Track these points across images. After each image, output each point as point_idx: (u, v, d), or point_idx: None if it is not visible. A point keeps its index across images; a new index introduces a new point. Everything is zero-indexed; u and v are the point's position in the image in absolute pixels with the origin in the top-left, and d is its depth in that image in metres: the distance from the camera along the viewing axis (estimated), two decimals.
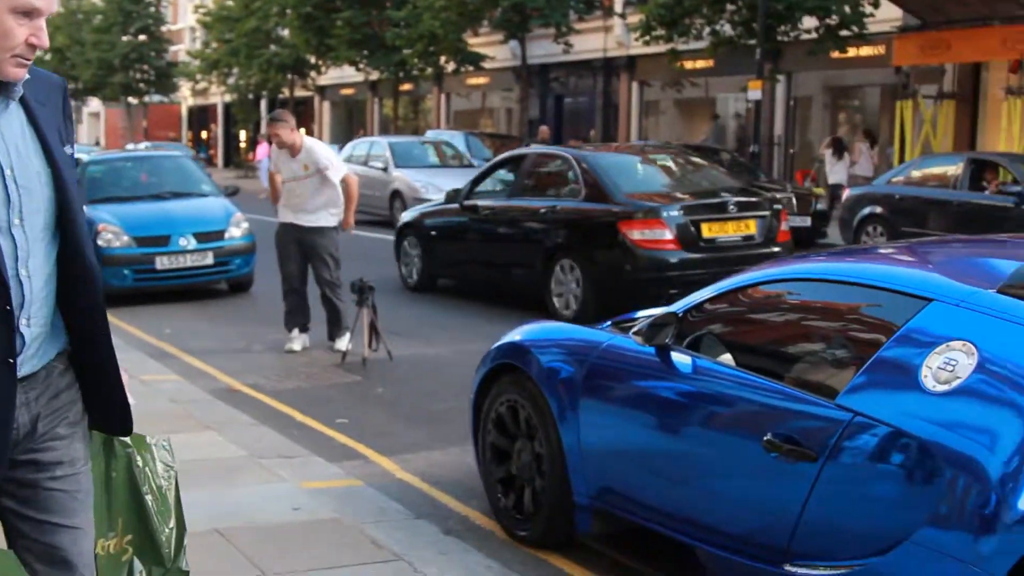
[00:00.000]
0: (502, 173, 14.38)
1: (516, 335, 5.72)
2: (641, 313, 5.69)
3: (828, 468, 4.02)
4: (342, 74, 45.11)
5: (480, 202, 13.45)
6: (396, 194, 23.70)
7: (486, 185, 14.11)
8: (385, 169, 24.58)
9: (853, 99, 31.90)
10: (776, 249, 11.75)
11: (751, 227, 11.80)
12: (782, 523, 4.20)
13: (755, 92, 26.07)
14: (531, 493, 5.48)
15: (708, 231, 11.51)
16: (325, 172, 10.08)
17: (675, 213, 11.45)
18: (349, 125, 48.62)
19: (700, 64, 31.42)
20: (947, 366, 3.81)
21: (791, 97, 31.30)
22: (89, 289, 2.95)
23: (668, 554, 4.85)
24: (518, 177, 13.60)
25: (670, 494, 4.80)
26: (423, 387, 9.09)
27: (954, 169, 17.54)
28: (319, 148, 10.34)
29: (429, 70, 37.63)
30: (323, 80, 47.61)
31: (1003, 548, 3.43)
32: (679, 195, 12.13)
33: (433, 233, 14.17)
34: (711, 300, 4.97)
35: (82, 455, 3.05)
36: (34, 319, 2.84)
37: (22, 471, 2.93)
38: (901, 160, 23.83)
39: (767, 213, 12.04)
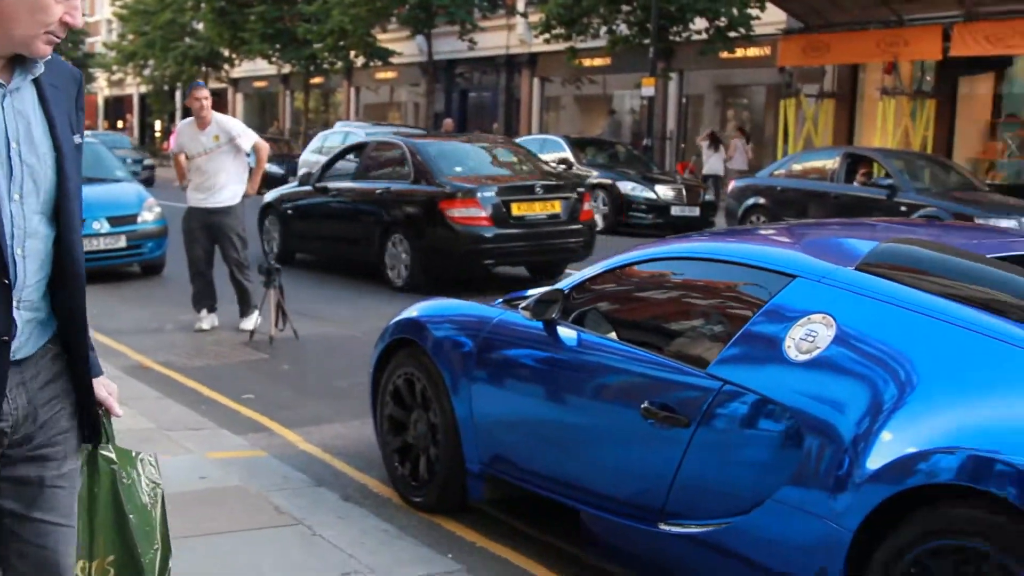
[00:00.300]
0: (350, 158, 15.01)
1: (413, 311, 5.76)
2: (531, 292, 5.75)
3: (700, 433, 4.12)
4: (255, 67, 44.79)
5: (329, 184, 14.40)
6: None
7: (336, 169, 14.79)
8: None
9: (741, 97, 32.31)
10: (578, 226, 13.43)
11: (556, 207, 13.22)
12: (658, 486, 4.29)
13: (648, 89, 26.34)
14: (426, 461, 5.53)
15: (517, 210, 12.86)
16: (237, 140, 10.07)
17: (489, 194, 12.75)
18: (262, 117, 48.23)
19: (598, 62, 31.66)
20: (808, 337, 3.92)
21: (683, 94, 31.65)
22: (74, 288, 2.75)
23: (554, 517, 4.92)
24: (361, 162, 14.48)
25: (556, 461, 4.87)
26: (327, 364, 9.10)
27: (831, 163, 17.87)
28: (229, 119, 10.46)
29: (339, 64, 37.53)
30: (236, 73, 47.21)
31: (855, 504, 3.53)
32: (494, 179, 13.39)
33: (290, 212, 15.06)
34: (595, 278, 5.04)
35: (76, 450, 2.84)
36: (25, 304, 2.65)
37: (28, 468, 2.72)
38: (785, 155, 24.19)
39: (572, 195, 13.48)
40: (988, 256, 4.24)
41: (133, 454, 3.07)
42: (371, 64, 36.91)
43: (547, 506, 4.96)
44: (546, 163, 15.67)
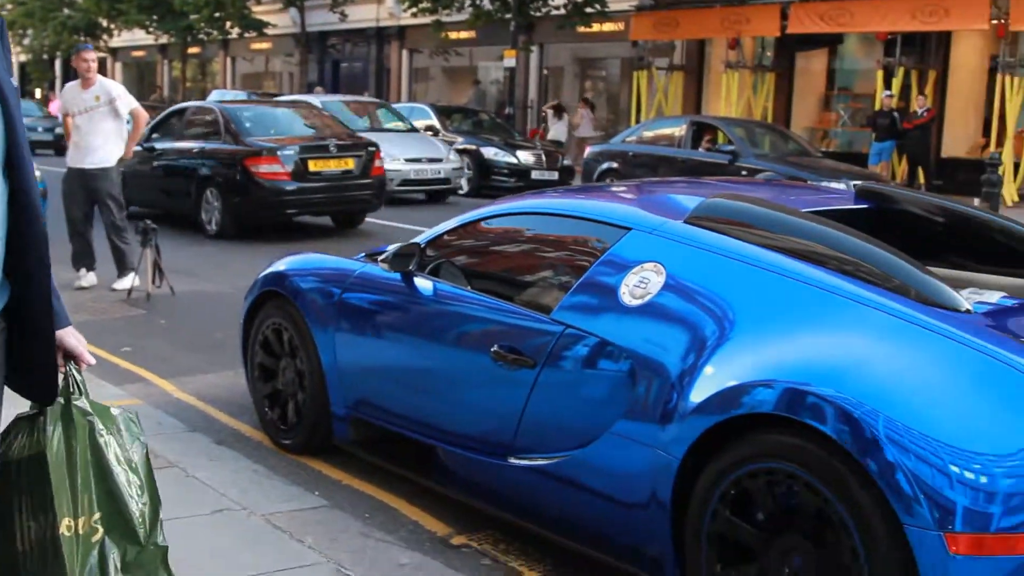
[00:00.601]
0: (174, 121, 15.49)
1: (281, 265, 5.78)
2: (391, 247, 5.81)
3: (544, 374, 4.24)
4: (133, 37, 43.72)
5: (156, 144, 15.01)
6: None
7: (162, 131, 15.31)
8: None
9: (598, 69, 32.57)
10: (369, 180, 14.63)
11: (350, 164, 14.45)
12: (507, 423, 4.40)
13: (510, 60, 26.47)
14: (294, 406, 5.57)
15: (314, 166, 14.07)
16: (116, 103, 9.98)
17: (289, 152, 13.88)
18: (140, 86, 47.12)
19: (463, 35, 31.62)
20: (641, 284, 4.07)
21: (544, 66, 31.77)
22: (35, 239, 2.49)
23: (413, 454, 5.01)
24: (182, 125, 15.26)
25: (415, 403, 4.95)
26: (202, 319, 9.04)
27: (679, 130, 18.21)
28: (112, 82, 10.39)
29: (215, 35, 36.81)
30: (115, 42, 46.04)
31: (681, 434, 3.68)
32: (295, 139, 14.38)
33: (122, 170, 14.95)
34: (450, 232, 5.13)
35: None
36: None
37: None
38: (638, 123, 24.51)
39: (363, 154, 14.65)
40: (805, 211, 4.42)
41: (112, 408, 2.87)
42: (246, 35, 36.33)
43: (407, 445, 5.05)
44: (345, 126, 16.45)
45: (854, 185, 5.13)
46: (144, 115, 10.46)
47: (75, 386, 2.76)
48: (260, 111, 15.57)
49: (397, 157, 17.67)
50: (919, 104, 20.86)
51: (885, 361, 3.46)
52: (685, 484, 3.70)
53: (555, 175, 20.46)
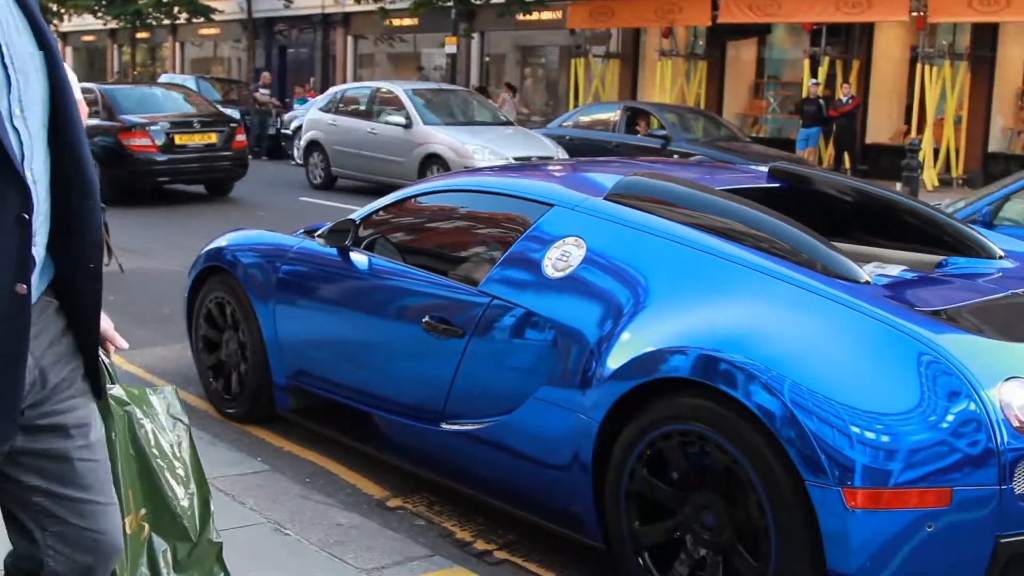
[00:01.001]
0: None
1: (222, 241, 5.80)
2: (328, 224, 5.85)
3: (473, 343, 4.32)
4: (83, 22, 43.06)
5: None
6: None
7: None
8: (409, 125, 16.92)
9: (537, 56, 32.58)
10: (229, 152, 16.08)
11: (212, 138, 15.89)
12: (438, 391, 4.47)
13: (451, 47, 26.45)
14: (237, 377, 5.62)
15: (180, 140, 15.48)
16: None
17: (157, 128, 15.27)
18: (91, 70, 46.53)
19: (407, 22, 31.49)
20: (563, 257, 4.15)
21: (485, 53, 31.77)
22: (89, 210, 2.13)
23: (351, 422, 5.08)
24: None
25: (352, 373, 5.01)
26: (151, 294, 9.03)
27: (613, 115, 18.33)
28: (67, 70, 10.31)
29: (164, 20, 36.43)
30: (65, 27, 45.32)
31: (600, 399, 3.77)
32: (164, 116, 15.68)
33: None
34: (383, 209, 5.19)
35: (95, 414, 2.26)
36: (38, 236, 2.03)
37: (47, 439, 2.14)
38: (576, 105, 24.64)
39: (225, 129, 16.10)
40: (719, 188, 4.52)
41: (148, 391, 2.59)
42: (194, 21, 35.98)
43: (345, 412, 5.12)
44: (212, 104, 17.97)
45: (769, 166, 5.25)
46: (85, 110, 10.38)
47: (108, 373, 2.44)
48: (135, 91, 17.11)
49: (505, 156, 15.21)
50: (844, 92, 21.12)
51: (791, 329, 3.57)
52: (605, 446, 3.79)
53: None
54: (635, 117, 17.92)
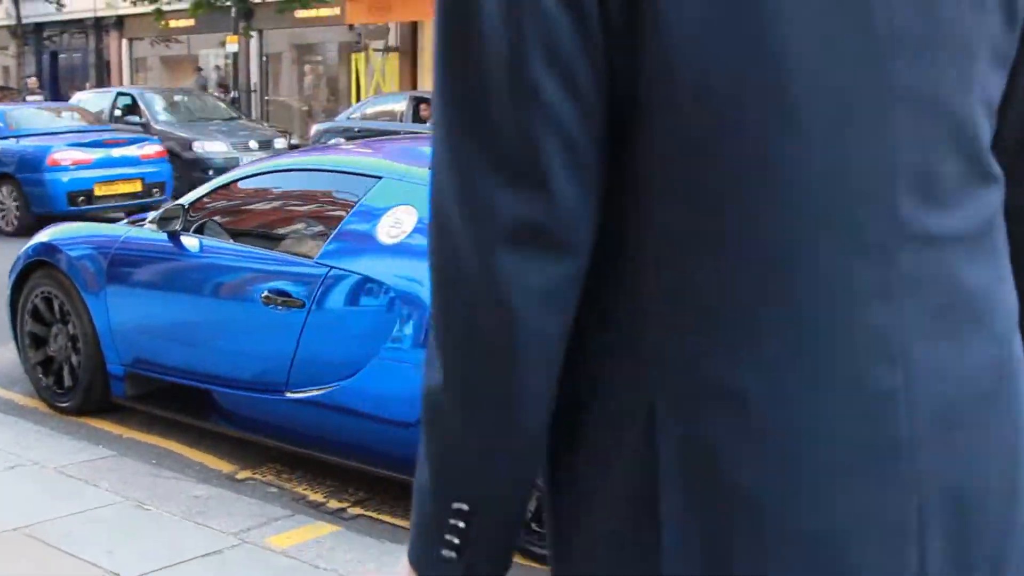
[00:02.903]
0: None
1: (44, 236, 5.72)
2: (151, 213, 5.85)
3: (314, 313, 4.44)
4: None
5: None
6: None
7: None
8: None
9: (317, 54, 32.41)
10: None
11: None
12: (281, 362, 4.56)
13: (232, 46, 26.14)
14: (69, 369, 5.57)
15: None
16: None
17: None
18: None
19: (183, 23, 30.85)
20: (396, 225, 4.32)
21: (264, 53, 31.44)
22: None
23: (192, 402, 5.13)
24: None
25: (192, 354, 5.03)
26: None
27: (400, 106, 18.48)
28: None
29: None
30: None
31: None
32: None
33: None
34: (213, 192, 5.25)
35: None
36: None
37: None
38: (358, 102, 24.67)
39: None
40: None
41: None
42: None
43: (186, 393, 5.16)
44: None
45: None
46: None
47: None
48: None
49: None
50: None
51: None
52: None
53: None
54: (420, 106, 18.12)
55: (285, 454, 4.93)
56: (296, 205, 5.19)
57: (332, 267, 4.41)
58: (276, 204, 5.26)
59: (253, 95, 30.35)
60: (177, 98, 19.67)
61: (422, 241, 4.22)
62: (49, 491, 4.33)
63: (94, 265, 5.35)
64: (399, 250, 4.26)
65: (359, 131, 18.10)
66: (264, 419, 4.76)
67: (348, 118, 19.12)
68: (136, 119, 17.76)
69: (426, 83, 26.34)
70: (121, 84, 33.39)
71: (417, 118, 17.76)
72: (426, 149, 4.81)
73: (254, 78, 30.68)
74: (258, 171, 5.21)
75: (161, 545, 3.81)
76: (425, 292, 4.07)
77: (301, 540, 3.90)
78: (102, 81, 34.22)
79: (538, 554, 3.80)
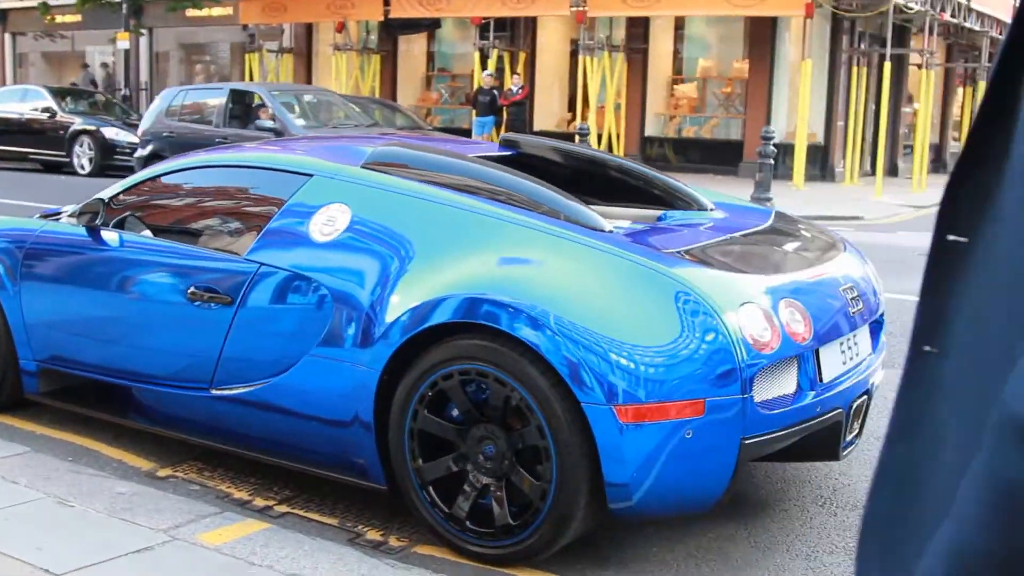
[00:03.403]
0: None
1: None
2: (65, 208, 5.72)
3: (242, 310, 4.40)
4: None
5: None
6: None
7: None
8: None
9: (208, 53, 31.99)
10: None
11: None
12: (206, 360, 4.50)
13: (123, 43, 25.64)
14: None
15: None
16: None
17: None
18: None
19: (69, 18, 30.20)
20: (328, 223, 4.31)
21: (154, 50, 30.93)
22: None
23: (110, 398, 5.04)
24: None
25: (111, 350, 4.93)
26: None
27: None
28: None
29: None
30: None
31: (377, 353, 3.95)
32: None
33: None
34: (135, 187, 5.16)
35: None
36: None
37: None
38: None
39: None
40: (469, 155, 4.80)
41: None
42: None
43: (103, 390, 5.07)
44: None
45: (500, 137, 5.59)
46: None
47: None
48: None
49: None
50: (514, 83, 21.93)
51: (547, 272, 3.89)
52: (385, 397, 3.99)
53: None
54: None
55: (205, 451, 4.88)
56: (221, 202, 5.12)
57: (262, 264, 4.37)
58: (200, 200, 5.19)
59: (143, 93, 29.77)
60: None
61: (357, 238, 4.22)
62: None
63: (8, 259, 5.22)
64: (333, 247, 4.25)
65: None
66: (187, 416, 4.69)
67: None
68: None
69: (320, 84, 26.19)
70: (4, 81, 32.55)
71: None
72: (357, 148, 4.86)
73: (144, 76, 30.12)
74: (181, 167, 5.13)
75: (89, 542, 3.74)
76: (363, 289, 4.07)
77: (233, 537, 3.86)
78: None
79: (476, 552, 3.84)
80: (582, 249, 3.91)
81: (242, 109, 16.21)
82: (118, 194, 5.14)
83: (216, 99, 16.56)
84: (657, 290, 3.73)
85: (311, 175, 4.53)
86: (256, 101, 16.13)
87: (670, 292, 3.70)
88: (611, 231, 4.11)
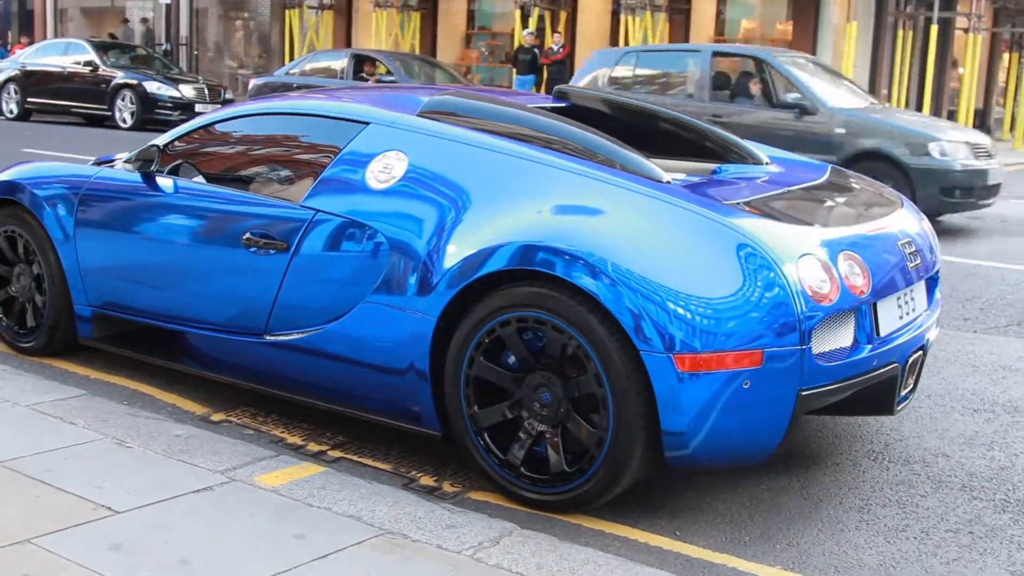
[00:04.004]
0: None
1: (8, 175, 5.58)
2: (118, 155, 5.75)
3: (298, 256, 4.41)
4: None
5: None
6: None
7: None
8: None
9: (245, 10, 31.97)
10: None
11: None
12: (262, 305, 4.53)
13: None
14: (33, 310, 5.48)
15: None
16: None
17: None
18: None
19: None
20: (385, 170, 4.32)
21: (193, 7, 30.94)
22: None
23: (164, 344, 5.09)
24: None
25: (166, 296, 4.95)
26: None
27: (340, 63, 18.34)
28: None
29: None
30: None
31: (434, 300, 3.97)
32: None
33: None
34: (189, 135, 5.18)
35: None
36: None
37: None
38: (291, 59, 24.40)
39: None
40: (528, 105, 4.78)
41: None
42: None
43: (157, 335, 5.12)
44: None
45: (554, 88, 5.57)
46: None
47: None
48: None
49: None
50: (555, 41, 21.84)
51: (606, 221, 3.88)
52: (441, 346, 4.00)
53: (219, 108, 20.11)
54: (361, 63, 18.01)
55: (257, 396, 4.93)
56: (275, 149, 5.13)
57: (318, 210, 4.39)
58: (254, 148, 5.20)
59: (183, 48, 29.84)
60: None
61: (414, 186, 4.23)
62: (26, 428, 4.27)
63: (64, 204, 5.26)
64: (390, 195, 4.26)
65: (298, 87, 17.95)
66: (240, 362, 4.73)
67: (287, 74, 18.93)
68: None
69: (360, 43, 26.22)
70: (45, 36, 32.71)
71: (358, 75, 17.64)
72: (413, 97, 4.85)
73: (183, 31, 30.17)
74: (235, 114, 5.14)
75: (149, 481, 3.79)
76: (419, 236, 4.08)
77: (290, 479, 3.90)
78: (24, 31, 33.47)
79: (530, 499, 3.86)
80: (640, 199, 3.90)
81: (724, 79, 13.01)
82: (172, 141, 5.17)
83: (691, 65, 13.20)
84: (717, 240, 3.72)
85: (367, 123, 4.53)
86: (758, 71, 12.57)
87: (730, 243, 3.69)
88: (669, 182, 4.10)
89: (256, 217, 4.59)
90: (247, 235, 4.54)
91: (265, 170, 5.08)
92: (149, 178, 5.02)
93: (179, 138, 5.18)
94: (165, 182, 4.99)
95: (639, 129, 5.30)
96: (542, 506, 3.86)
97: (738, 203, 4.03)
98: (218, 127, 5.20)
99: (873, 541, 3.75)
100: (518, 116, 4.51)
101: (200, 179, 5.03)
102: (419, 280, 4.04)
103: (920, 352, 4.31)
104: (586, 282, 3.62)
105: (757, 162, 4.99)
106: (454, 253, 3.97)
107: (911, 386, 4.33)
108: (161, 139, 5.19)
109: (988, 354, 6.26)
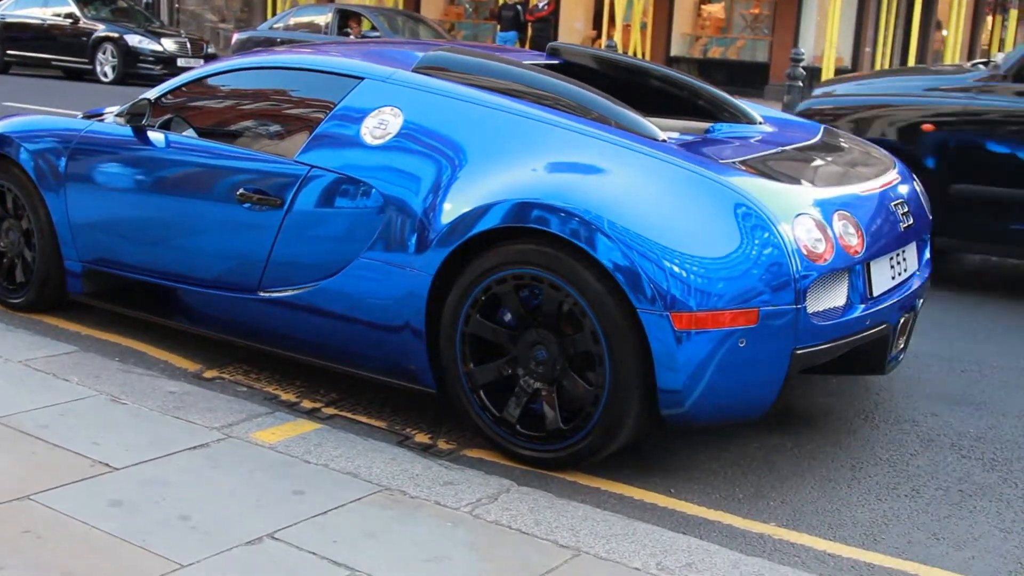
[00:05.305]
0: None
1: None
2: (109, 108, 5.70)
3: (292, 212, 4.39)
4: None
5: None
6: None
7: None
8: None
9: None
10: None
11: None
12: (255, 261, 4.51)
13: None
14: (22, 265, 5.45)
15: None
16: None
17: None
18: None
19: None
20: (380, 126, 4.29)
21: None
22: None
23: (155, 300, 5.07)
24: None
25: (157, 251, 4.92)
26: None
27: (324, 18, 18.20)
28: None
29: None
30: None
31: (430, 257, 3.96)
32: None
33: None
34: (181, 88, 5.13)
35: None
36: None
37: None
38: (273, 13, 24.21)
39: None
40: (523, 62, 4.75)
41: None
42: None
43: (147, 291, 5.10)
44: None
45: (548, 45, 5.54)
46: None
47: None
48: None
49: None
50: None
51: (601, 178, 3.87)
52: (436, 304, 4.00)
53: (201, 63, 19.89)
54: (346, 19, 17.87)
55: (250, 354, 4.92)
56: (269, 104, 5.08)
57: (312, 166, 4.36)
58: (247, 102, 5.14)
59: (164, 2, 29.50)
60: None
61: (409, 142, 4.20)
62: (19, 384, 4.26)
63: (54, 158, 5.22)
64: (385, 150, 4.23)
65: (281, 42, 17.77)
66: (234, 318, 4.71)
67: (271, 28, 18.77)
68: None
69: None
70: None
71: (342, 31, 17.51)
72: (406, 52, 4.82)
73: None
74: (227, 68, 5.09)
75: (145, 438, 3.78)
76: (415, 192, 4.06)
77: (286, 436, 3.90)
78: None
79: (526, 456, 3.88)
80: (636, 156, 3.89)
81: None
82: (164, 94, 5.12)
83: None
84: (713, 199, 3.72)
85: (362, 78, 4.50)
86: None
87: (727, 202, 3.69)
88: (665, 140, 4.09)
89: (250, 172, 4.56)
90: (241, 191, 4.51)
91: (258, 125, 5.03)
92: (140, 132, 4.98)
93: (171, 91, 5.13)
94: (157, 136, 4.95)
95: (632, 86, 5.27)
96: (538, 463, 3.88)
97: (734, 162, 4.03)
98: (211, 81, 5.15)
99: (865, 499, 3.79)
100: (515, 73, 4.48)
101: (191, 133, 4.99)
102: (414, 237, 4.03)
103: (911, 312, 4.33)
104: (582, 239, 3.61)
105: (751, 121, 4.98)
106: (450, 210, 3.96)
107: (902, 346, 4.36)
108: (153, 92, 5.14)
109: (976, 315, 6.31)
